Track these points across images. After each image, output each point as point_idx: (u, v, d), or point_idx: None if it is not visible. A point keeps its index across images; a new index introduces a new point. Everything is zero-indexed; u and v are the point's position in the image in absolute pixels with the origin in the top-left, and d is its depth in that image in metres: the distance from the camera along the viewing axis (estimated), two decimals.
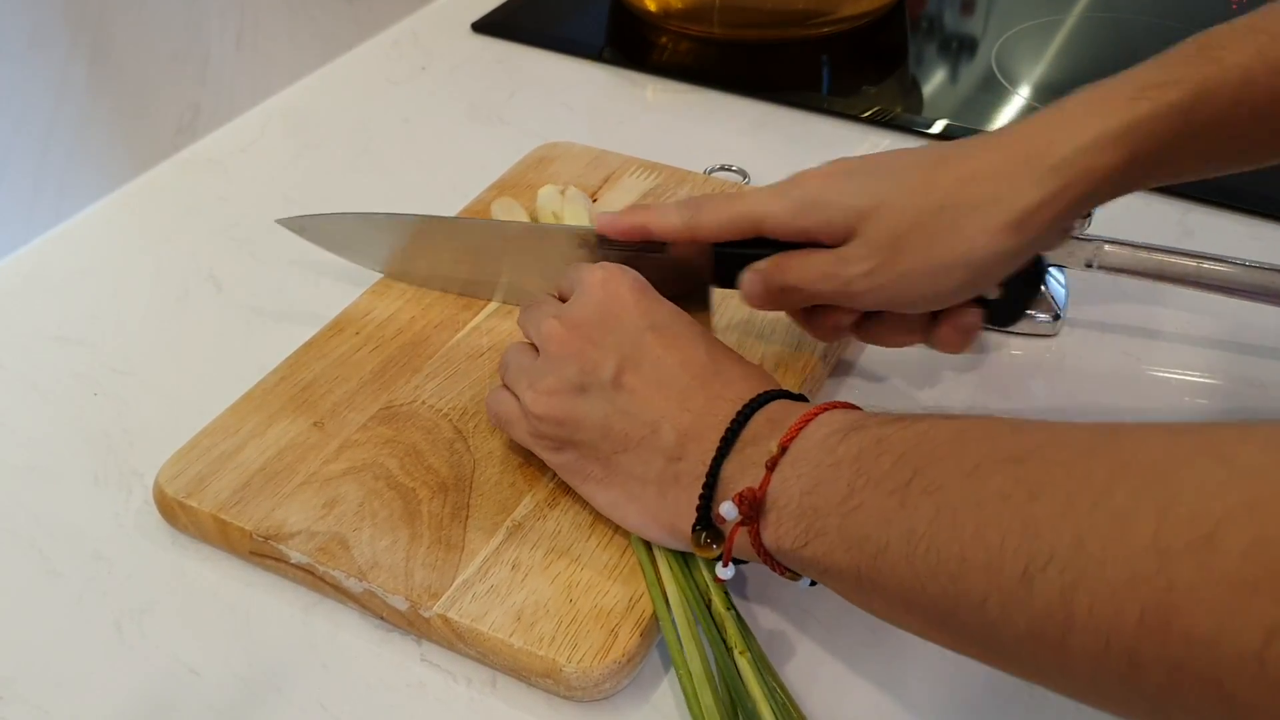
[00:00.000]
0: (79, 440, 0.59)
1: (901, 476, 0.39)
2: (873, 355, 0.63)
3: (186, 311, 0.68)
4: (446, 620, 0.48)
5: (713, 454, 0.46)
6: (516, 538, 0.51)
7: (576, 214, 0.68)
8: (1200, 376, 0.62)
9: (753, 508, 0.43)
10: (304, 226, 0.64)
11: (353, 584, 0.49)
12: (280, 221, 0.64)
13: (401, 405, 0.57)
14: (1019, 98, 0.85)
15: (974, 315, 0.54)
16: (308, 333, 0.62)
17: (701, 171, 0.75)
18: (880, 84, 0.89)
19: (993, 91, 0.86)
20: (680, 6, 0.94)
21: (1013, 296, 0.54)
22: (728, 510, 0.44)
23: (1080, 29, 0.95)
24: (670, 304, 0.51)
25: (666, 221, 0.55)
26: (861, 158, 0.53)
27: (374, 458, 0.55)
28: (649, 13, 0.95)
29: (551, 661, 0.46)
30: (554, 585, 0.49)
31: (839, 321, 0.55)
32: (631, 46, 0.95)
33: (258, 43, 0.84)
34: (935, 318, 0.54)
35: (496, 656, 0.47)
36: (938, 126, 0.82)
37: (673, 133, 0.83)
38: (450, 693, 0.48)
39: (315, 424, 0.56)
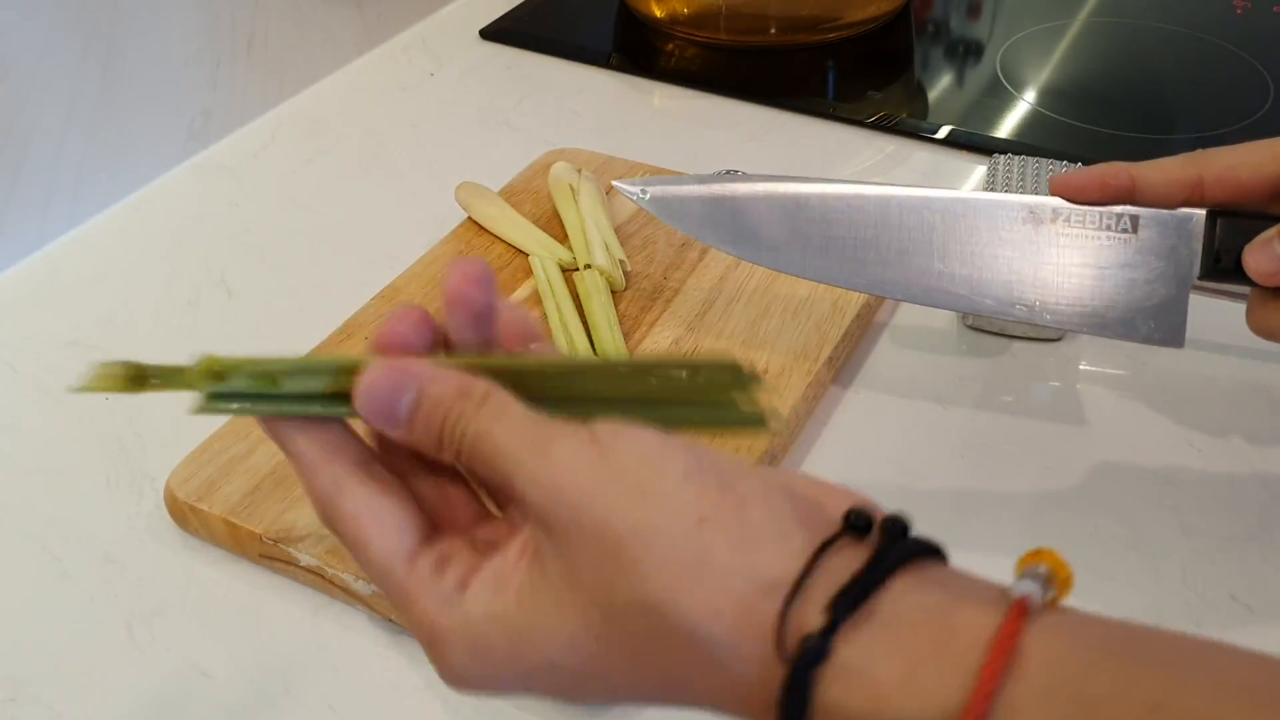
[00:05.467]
0: (91, 444, 0.60)
1: None
2: (877, 360, 0.63)
3: (198, 316, 0.68)
4: None
5: None
6: None
7: (590, 194, 0.68)
8: (1200, 377, 0.62)
9: None
10: None
11: (361, 586, 0.50)
12: None
13: None
14: (1024, 103, 0.85)
15: None
16: (318, 337, 0.63)
17: None
18: (886, 89, 0.89)
19: (998, 96, 0.87)
20: (687, 13, 0.95)
21: None
22: None
23: (1086, 34, 0.95)
24: None
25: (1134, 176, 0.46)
26: None
27: None
28: (656, 19, 0.96)
29: None
30: None
31: None
32: (639, 53, 0.95)
33: (269, 49, 0.84)
34: None
35: None
36: (943, 132, 0.82)
37: (680, 138, 0.84)
38: (458, 693, 0.48)
39: None
